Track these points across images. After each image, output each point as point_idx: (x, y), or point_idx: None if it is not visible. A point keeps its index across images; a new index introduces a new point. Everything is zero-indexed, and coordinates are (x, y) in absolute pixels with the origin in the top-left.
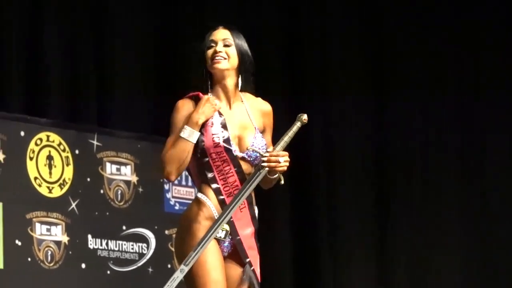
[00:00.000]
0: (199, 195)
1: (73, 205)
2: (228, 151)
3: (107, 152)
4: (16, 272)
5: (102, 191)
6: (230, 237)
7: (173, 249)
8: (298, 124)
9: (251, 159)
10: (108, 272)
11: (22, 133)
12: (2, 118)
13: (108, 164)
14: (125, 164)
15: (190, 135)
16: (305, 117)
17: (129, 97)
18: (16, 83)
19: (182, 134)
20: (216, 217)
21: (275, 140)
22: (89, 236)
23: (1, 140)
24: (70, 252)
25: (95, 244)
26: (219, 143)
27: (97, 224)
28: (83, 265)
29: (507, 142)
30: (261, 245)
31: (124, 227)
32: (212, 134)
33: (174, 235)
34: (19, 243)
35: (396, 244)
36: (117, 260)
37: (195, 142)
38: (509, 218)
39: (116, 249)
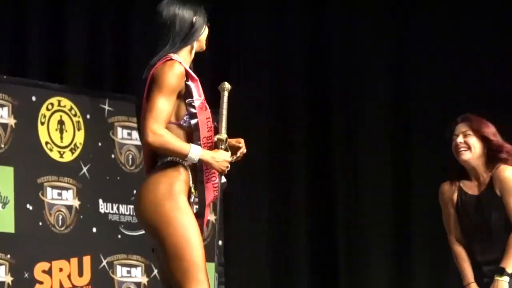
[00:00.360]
0: (175, 159)
1: (84, 169)
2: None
3: (118, 117)
4: (27, 236)
5: (113, 156)
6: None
7: None
8: (226, 94)
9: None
10: (119, 236)
11: (34, 98)
12: (13, 83)
13: (119, 129)
14: (137, 129)
15: (192, 159)
16: (226, 84)
17: (144, 64)
18: (31, 49)
19: (190, 156)
20: (191, 184)
21: None
22: (100, 201)
23: (12, 105)
24: (81, 217)
25: (106, 209)
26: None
27: (108, 189)
28: (94, 229)
29: None
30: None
31: (135, 192)
32: (207, 118)
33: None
34: (30, 208)
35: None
36: (128, 224)
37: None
38: None
39: (127, 213)
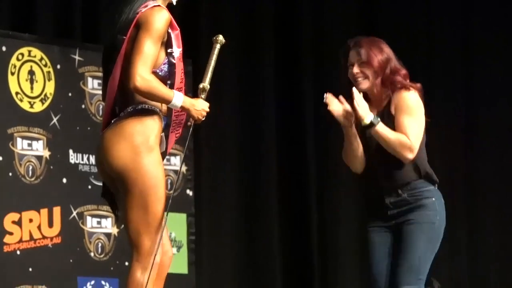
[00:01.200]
0: (151, 107)
1: (55, 120)
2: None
3: (88, 67)
4: None
5: (83, 106)
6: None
7: None
8: (218, 47)
9: None
10: (89, 187)
11: (4, 48)
12: None
13: (89, 79)
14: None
15: (173, 106)
16: (220, 37)
17: (113, 13)
18: None
19: (172, 103)
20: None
21: None
22: (70, 151)
23: None
24: (51, 167)
25: (76, 159)
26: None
27: (79, 139)
28: (64, 180)
29: None
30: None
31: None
32: (181, 69)
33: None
34: (0, 158)
35: None
36: (98, 175)
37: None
38: None
39: None
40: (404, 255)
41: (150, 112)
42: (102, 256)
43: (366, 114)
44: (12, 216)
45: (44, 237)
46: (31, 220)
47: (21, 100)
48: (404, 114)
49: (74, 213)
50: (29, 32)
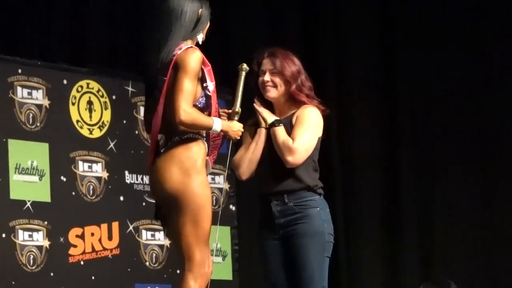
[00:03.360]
0: (195, 135)
1: (111, 144)
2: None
3: (140, 97)
4: (62, 204)
5: (137, 132)
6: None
7: None
8: (243, 74)
9: None
10: (144, 203)
11: (65, 81)
12: (46, 67)
13: (141, 108)
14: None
15: (214, 130)
16: (245, 66)
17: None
18: (60, 37)
19: (214, 128)
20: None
21: None
22: (126, 172)
23: (46, 88)
24: (110, 187)
25: (131, 179)
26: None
27: (133, 161)
28: (121, 198)
29: None
30: None
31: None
32: (215, 101)
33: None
34: (64, 179)
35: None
36: (151, 194)
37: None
38: None
39: None
40: (303, 268)
41: (194, 139)
42: (156, 265)
43: (270, 116)
44: (76, 230)
45: (104, 249)
46: (92, 234)
47: (81, 128)
48: (300, 125)
49: (131, 227)
50: (86, 66)
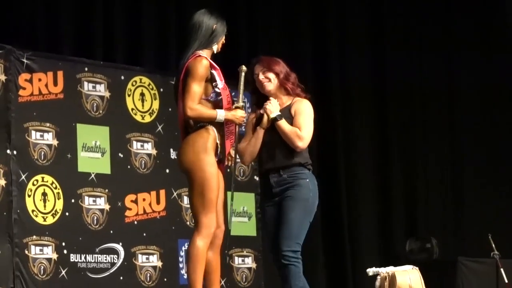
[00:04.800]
0: (205, 124)
1: (159, 128)
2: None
3: None
4: (119, 176)
5: None
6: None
7: None
8: (243, 74)
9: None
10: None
11: (122, 77)
12: (108, 66)
13: None
14: None
15: (219, 120)
16: (243, 67)
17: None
18: (118, 42)
19: (218, 118)
20: (217, 140)
21: None
22: (171, 150)
23: (107, 83)
24: (158, 161)
25: (175, 155)
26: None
27: (176, 141)
28: (167, 170)
29: None
30: None
31: None
32: (227, 95)
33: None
34: (121, 155)
35: None
36: None
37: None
38: None
39: None
40: (286, 225)
41: (205, 127)
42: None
43: (275, 110)
44: (131, 197)
45: (153, 211)
46: (144, 199)
47: (135, 114)
48: (301, 115)
49: (175, 194)
50: (140, 65)
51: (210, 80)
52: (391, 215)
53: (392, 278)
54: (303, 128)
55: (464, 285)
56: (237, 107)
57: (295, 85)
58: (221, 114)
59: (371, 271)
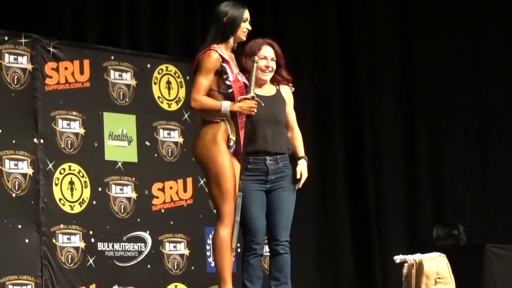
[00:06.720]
0: (217, 119)
1: (186, 116)
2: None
3: None
4: (146, 164)
5: None
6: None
7: None
8: (255, 65)
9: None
10: None
11: (148, 65)
12: (134, 55)
13: None
14: None
15: (225, 111)
16: (256, 58)
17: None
18: (144, 31)
19: (222, 109)
20: (229, 132)
21: None
22: None
23: (133, 71)
24: (184, 149)
25: None
26: (243, 82)
27: None
28: (193, 158)
29: None
30: None
31: None
32: (239, 87)
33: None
34: (148, 144)
35: None
36: None
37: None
38: None
39: None
40: (283, 215)
41: (216, 121)
42: None
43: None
44: (158, 185)
45: (180, 199)
46: (171, 187)
47: (161, 102)
48: (292, 110)
49: (201, 182)
50: (166, 53)
51: (221, 72)
52: (418, 202)
53: (419, 265)
54: (296, 124)
55: (492, 271)
56: (246, 98)
57: (288, 75)
58: (225, 106)
59: (398, 258)
